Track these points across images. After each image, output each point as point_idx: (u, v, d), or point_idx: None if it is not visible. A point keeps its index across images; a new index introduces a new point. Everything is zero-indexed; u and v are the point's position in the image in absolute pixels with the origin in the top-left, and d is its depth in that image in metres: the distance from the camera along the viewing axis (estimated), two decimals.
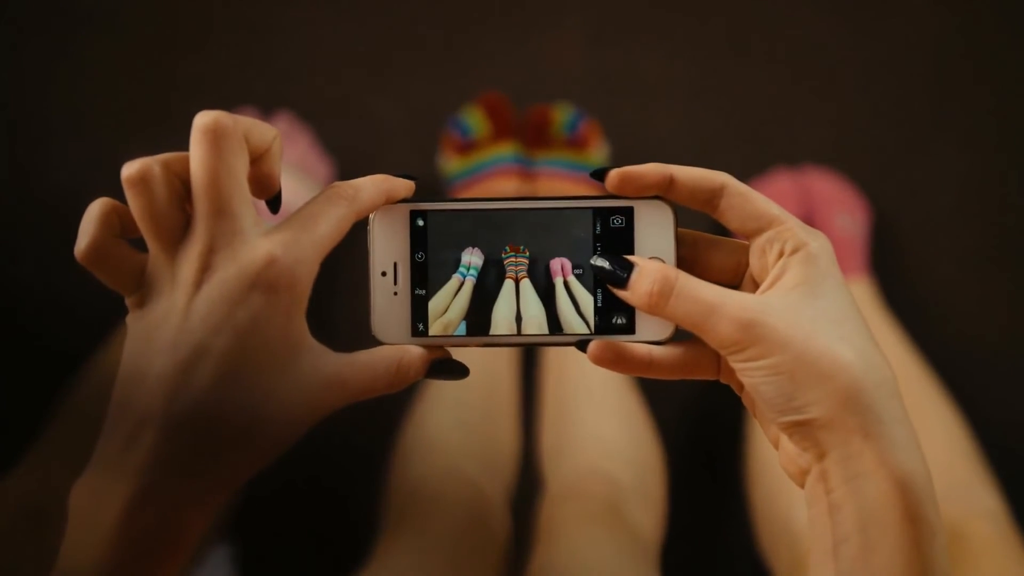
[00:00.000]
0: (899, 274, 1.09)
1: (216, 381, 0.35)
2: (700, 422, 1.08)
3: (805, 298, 0.37)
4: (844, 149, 1.12)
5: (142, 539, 0.34)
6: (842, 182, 1.10)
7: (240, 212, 0.36)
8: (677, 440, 1.03)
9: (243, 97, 1.11)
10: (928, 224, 1.11)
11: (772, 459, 0.86)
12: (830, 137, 1.13)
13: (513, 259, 0.41)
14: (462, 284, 0.41)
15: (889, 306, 1.05)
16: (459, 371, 0.41)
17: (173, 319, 0.36)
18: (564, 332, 0.41)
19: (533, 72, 1.14)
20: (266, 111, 1.10)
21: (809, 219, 1.08)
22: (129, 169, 0.36)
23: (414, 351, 0.40)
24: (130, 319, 0.37)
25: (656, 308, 0.38)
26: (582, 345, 0.40)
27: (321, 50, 1.13)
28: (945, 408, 0.92)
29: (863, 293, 1.04)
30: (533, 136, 1.09)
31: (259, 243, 0.36)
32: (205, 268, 0.36)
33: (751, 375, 0.37)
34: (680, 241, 0.41)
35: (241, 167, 0.37)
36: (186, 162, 0.37)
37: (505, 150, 1.08)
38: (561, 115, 1.09)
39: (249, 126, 0.37)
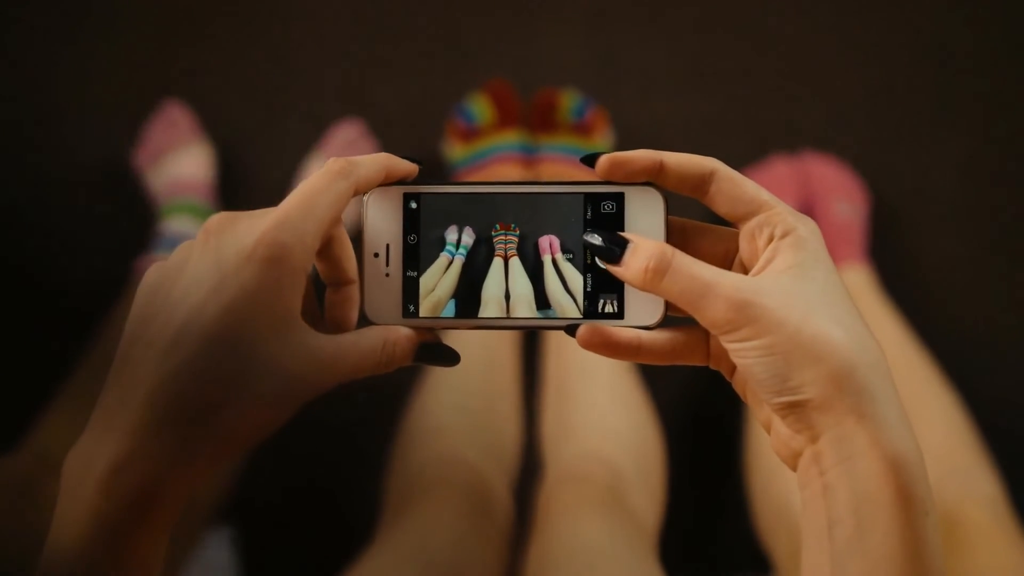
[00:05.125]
0: (898, 260, 1.09)
1: (203, 346, 0.35)
2: (699, 408, 1.08)
3: (797, 281, 0.37)
4: (843, 135, 1.12)
5: (123, 501, 0.35)
6: (841, 168, 1.10)
7: (300, 227, 0.37)
8: (677, 425, 1.03)
9: (244, 85, 1.11)
10: (927, 210, 1.11)
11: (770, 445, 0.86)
12: (829, 123, 1.13)
13: (503, 236, 0.41)
14: (451, 262, 0.41)
15: (888, 292, 1.04)
16: (449, 357, 0.41)
17: (175, 281, 0.37)
18: (553, 311, 0.41)
19: (533, 60, 1.14)
20: (267, 102, 1.11)
21: (808, 205, 1.08)
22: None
23: (400, 331, 0.40)
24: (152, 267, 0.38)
25: (650, 285, 0.38)
26: (571, 329, 0.41)
27: (321, 39, 1.13)
28: (943, 394, 0.92)
29: (862, 279, 1.04)
30: (539, 120, 1.09)
31: (256, 221, 0.37)
32: (208, 234, 0.37)
33: (744, 356, 0.36)
34: (669, 228, 0.41)
35: (338, 204, 0.38)
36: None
37: (509, 138, 1.08)
38: (568, 100, 1.09)
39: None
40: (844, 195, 1.07)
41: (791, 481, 0.80)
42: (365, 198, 0.41)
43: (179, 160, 1.07)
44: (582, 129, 1.08)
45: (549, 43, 1.14)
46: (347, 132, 1.10)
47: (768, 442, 0.92)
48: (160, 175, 1.07)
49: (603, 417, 0.87)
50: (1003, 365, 1.08)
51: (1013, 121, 1.12)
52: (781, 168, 1.09)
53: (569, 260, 0.41)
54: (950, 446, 0.86)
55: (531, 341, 1.02)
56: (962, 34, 1.13)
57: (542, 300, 0.41)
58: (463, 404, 0.88)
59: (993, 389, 1.04)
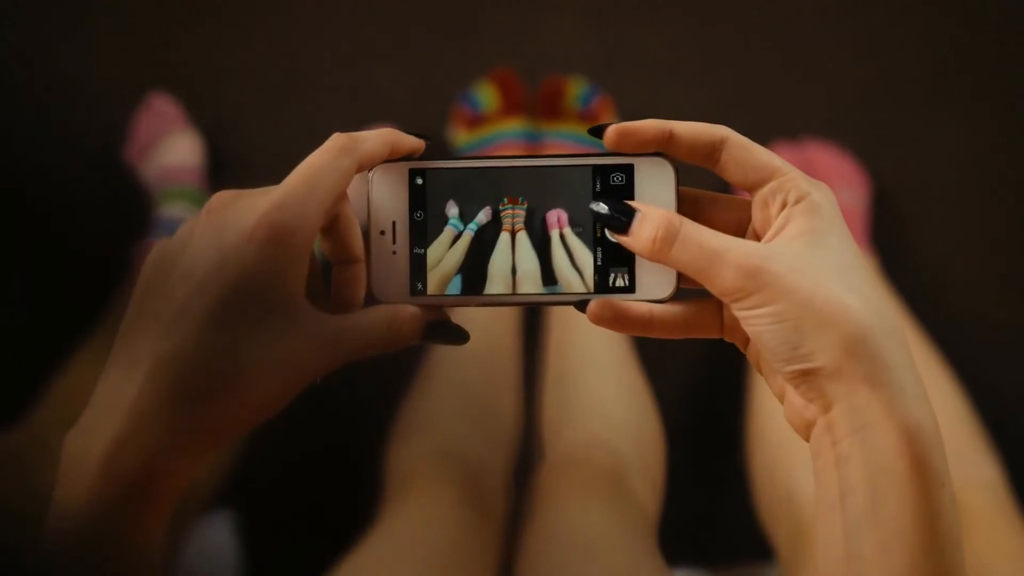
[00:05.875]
0: (899, 247, 1.09)
1: (203, 326, 0.35)
2: (701, 391, 1.08)
3: (810, 247, 0.36)
4: (845, 122, 1.12)
5: (123, 480, 0.34)
6: (843, 155, 1.10)
7: (301, 208, 0.36)
8: (678, 410, 1.03)
9: (248, 73, 1.11)
10: (928, 197, 1.11)
11: (773, 429, 0.86)
12: (831, 110, 1.13)
13: (510, 211, 0.41)
14: (458, 236, 0.41)
15: (889, 279, 1.04)
16: (458, 335, 0.41)
17: (177, 260, 0.36)
18: (559, 287, 0.41)
19: (536, 49, 1.13)
20: (272, 87, 1.10)
21: None
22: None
23: (407, 309, 0.39)
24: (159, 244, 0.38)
25: (659, 254, 0.37)
26: (581, 305, 0.40)
27: (326, 26, 1.13)
28: (945, 380, 0.92)
29: (871, 267, 1.04)
30: (545, 107, 1.09)
31: (258, 200, 0.36)
32: (210, 212, 0.37)
33: (755, 323, 0.36)
34: (681, 199, 0.40)
35: (341, 180, 0.38)
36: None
37: (514, 125, 1.07)
38: (575, 88, 1.09)
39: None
40: (845, 182, 1.07)
41: (794, 466, 0.81)
42: (370, 175, 0.41)
43: (168, 148, 1.07)
44: (588, 117, 1.08)
45: (554, 32, 1.13)
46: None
47: (772, 427, 0.92)
48: (151, 166, 1.08)
49: (604, 402, 0.87)
50: (1003, 351, 1.08)
51: (1013, 108, 1.12)
52: (783, 155, 1.09)
53: (579, 234, 0.41)
54: (950, 432, 0.86)
55: (532, 323, 1.02)
56: (963, 22, 1.12)
57: (549, 275, 0.41)
58: (463, 388, 0.88)
59: (993, 375, 1.03)
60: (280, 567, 1.02)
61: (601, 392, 0.88)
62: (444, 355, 0.90)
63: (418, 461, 0.79)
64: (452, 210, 0.41)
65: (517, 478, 0.86)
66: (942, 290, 1.09)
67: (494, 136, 1.07)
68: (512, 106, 1.08)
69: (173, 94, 1.11)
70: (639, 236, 0.38)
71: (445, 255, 0.41)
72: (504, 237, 0.41)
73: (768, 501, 0.85)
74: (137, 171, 1.09)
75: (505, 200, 0.41)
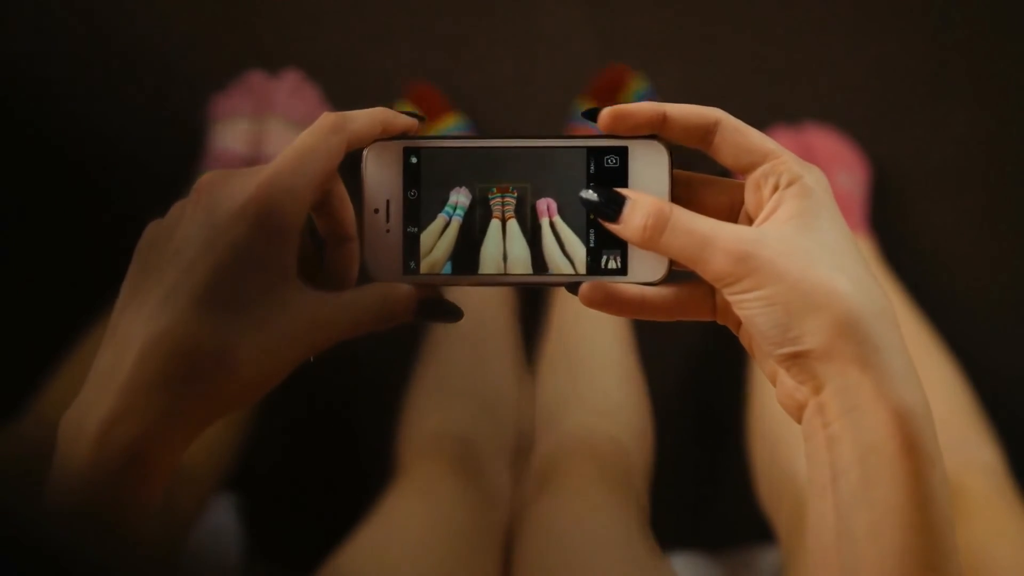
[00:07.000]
0: (899, 231, 1.09)
1: (192, 306, 0.35)
2: (701, 375, 1.08)
3: (801, 230, 0.36)
4: (844, 106, 1.11)
5: (116, 456, 0.35)
6: (842, 139, 1.09)
7: (290, 183, 0.37)
8: (677, 393, 1.04)
9: (247, 54, 1.10)
10: (928, 181, 1.10)
11: (774, 412, 0.86)
12: (830, 94, 1.12)
13: (500, 199, 0.41)
14: (448, 223, 0.41)
15: (889, 262, 1.04)
16: (451, 312, 0.41)
17: (168, 240, 0.37)
18: (552, 273, 0.41)
19: (535, 34, 1.13)
20: (272, 68, 1.10)
21: None
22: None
23: (401, 288, 0.39)
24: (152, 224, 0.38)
25: (649, 242, 0.38)
26: (573, 287, 0.40)
27: (327, 9, 1.12)
28: (944, 364, 0.92)
29: (862, 249, 1.03)
30: (603, 93, 1.08)
31: (248, 178, 0.37)
32: (200, 192, 0.37)
33: (746, 307, 0.36)
34: (674, 181, 0.40)
35: (330, 159, 0.38)
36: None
37: (447, 124, 1.07)
38: (637, 84, 1.08)
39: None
40: (845, 166, 1.07)
41: (795, 449, 0.81)
42: (364, 153, 0.41)
43: (240, 129, 1.04)
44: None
45: (555, 16, 1.13)
46: (286, 80, 1.08)
47: (772, 410, 0.92)
48: (221, 136, 1.04)
49: (603, 389, 0.87)
50: (1002, 334, 1.08)
51: (1013, 91, 1.11)
52: (782, 140, 1.09)
53: (571, 219, 0.41)
54: (949, 415, 0.86)
55: (533, 313, 1.02)
56: (962, 6, 1.12)
57: (539, 263, 0.41)
58: (465, 372, 0.88)
59: (992, 359, 1.03)
60: (282, 549, 1.03)
61: (601, 379, 0.88)
62: (447, 338, 0.91)
63: (421, 444, 0.79)
64: (453, 196, 0.41)
65: (520, 464, 0.87)
66: (941, 274, 1.09)
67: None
68: (434, 113, 1.07)
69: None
70: (629, 224, 0.38)
71: (437, 242, 0.41)
72: (495, 224, 0.41)
73: (768, 485, 0.86)
74: (211, 129, 1.06)
75: (495, 188, 0.41)
